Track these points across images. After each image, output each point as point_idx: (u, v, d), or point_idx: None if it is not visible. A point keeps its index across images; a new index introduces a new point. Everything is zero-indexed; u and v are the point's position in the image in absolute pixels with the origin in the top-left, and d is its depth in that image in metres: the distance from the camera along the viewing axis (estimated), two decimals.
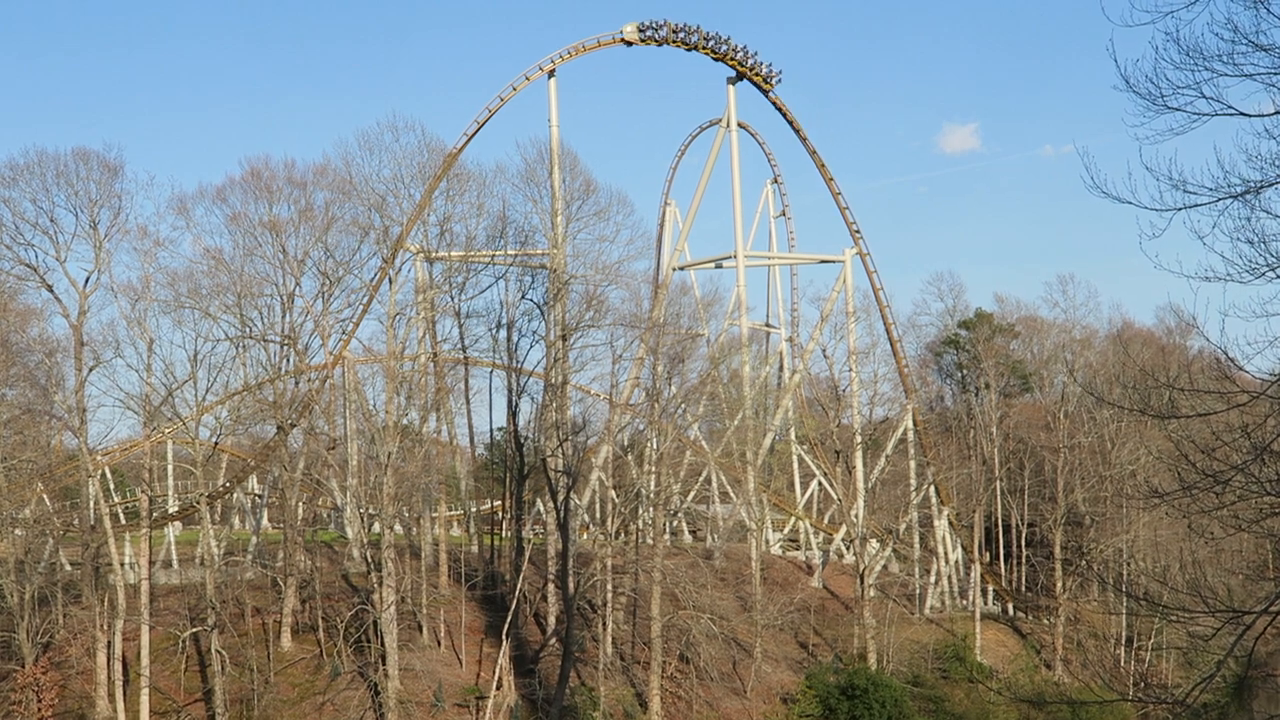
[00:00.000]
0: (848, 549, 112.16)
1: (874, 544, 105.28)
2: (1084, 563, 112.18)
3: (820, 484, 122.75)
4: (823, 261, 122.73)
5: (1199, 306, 39.68)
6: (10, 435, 76.87)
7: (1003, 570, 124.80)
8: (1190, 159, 27.93)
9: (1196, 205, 27.59)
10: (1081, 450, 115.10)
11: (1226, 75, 27.16)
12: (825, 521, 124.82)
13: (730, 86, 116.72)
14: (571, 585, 78.46)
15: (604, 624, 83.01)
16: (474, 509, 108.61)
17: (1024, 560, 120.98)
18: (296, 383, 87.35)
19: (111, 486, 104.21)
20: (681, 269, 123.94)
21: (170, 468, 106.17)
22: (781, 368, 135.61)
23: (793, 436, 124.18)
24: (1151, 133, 27.74)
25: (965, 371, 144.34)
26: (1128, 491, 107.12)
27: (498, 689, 74.99)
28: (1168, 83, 27.37)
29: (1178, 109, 27.55)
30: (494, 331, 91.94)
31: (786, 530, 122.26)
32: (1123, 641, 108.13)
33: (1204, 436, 36.95)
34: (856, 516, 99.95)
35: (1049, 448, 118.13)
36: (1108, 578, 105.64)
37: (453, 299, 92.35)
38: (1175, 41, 27.13)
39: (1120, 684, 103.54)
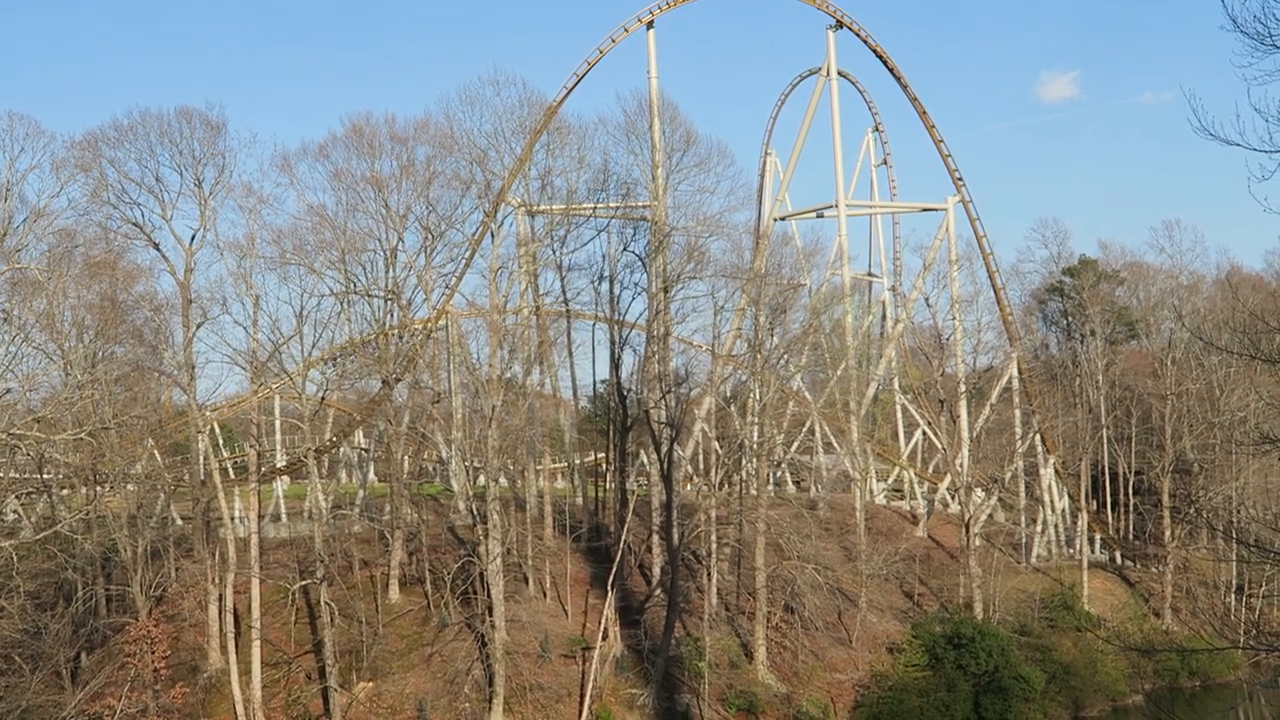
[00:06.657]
0: (952, 498, 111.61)
1: (979, 493, 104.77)
2: (1193, 510, 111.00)
3: (924, 433, 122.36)
4: (925, 210, 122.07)
5: None
6: (121, 392, 77.90)
7: (1110, 519, 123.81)
8: None
9: None
10: (1189, 397, 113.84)
11: None
12: (930, 471, 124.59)
13: (830, 34, 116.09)
14: (676, 536, 78.73)
15: (708, 574, 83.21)
16: (578, 461, 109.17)
17: (1131, 508, 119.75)
18: (401, 337, 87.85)
19: (220, 442, 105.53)
20: (783, 219, 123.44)
21: (278, 423, 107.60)
22: (884, 317, 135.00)
23: (896, 386, 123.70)
24: (1260, 73, 27.29)
25: (1070, 319, 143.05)
26: (1237, 438, 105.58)
27: (603, 639, 75.38)
28: (1276, 21, 26.88)
29: None
30: (596, 284, 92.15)
31: (891, 480, 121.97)
32: (1233, 589, 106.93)
33: None
34: (961, 466, 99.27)
35: (1156, 395, 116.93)
36: (1217, 525, 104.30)
37: (554, 252, 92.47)
38: None
39: (1231, 632, 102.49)
